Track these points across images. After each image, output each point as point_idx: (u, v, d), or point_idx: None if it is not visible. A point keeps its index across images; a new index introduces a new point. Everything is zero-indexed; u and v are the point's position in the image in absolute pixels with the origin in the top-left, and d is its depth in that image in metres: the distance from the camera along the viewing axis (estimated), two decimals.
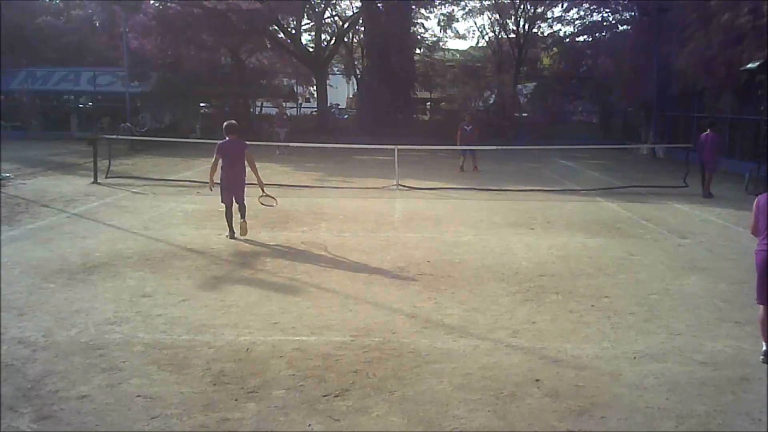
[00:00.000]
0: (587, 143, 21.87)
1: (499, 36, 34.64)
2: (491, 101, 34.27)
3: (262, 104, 37.03)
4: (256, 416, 4.00)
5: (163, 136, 22.54)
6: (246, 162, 9.22)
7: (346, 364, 4.79)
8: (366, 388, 4.39)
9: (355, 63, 35.74)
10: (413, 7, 32.02)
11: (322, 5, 34.55)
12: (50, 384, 4.38)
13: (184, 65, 28.65)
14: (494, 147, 18.43)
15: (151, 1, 30.17)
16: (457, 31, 62.06)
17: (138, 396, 4.23)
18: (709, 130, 14.04)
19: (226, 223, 9.12)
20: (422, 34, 34.83)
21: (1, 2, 29.10)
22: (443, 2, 33.57)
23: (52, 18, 34.41)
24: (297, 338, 5.29)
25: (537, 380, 4.55)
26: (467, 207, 12.15)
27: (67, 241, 8.68)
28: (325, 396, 4.27)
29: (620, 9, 29.67)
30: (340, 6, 36.61)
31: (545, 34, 34.84)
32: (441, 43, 35.84)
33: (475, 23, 59.27)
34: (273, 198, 9.59)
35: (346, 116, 39.54)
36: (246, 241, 8.94)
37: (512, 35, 33.84)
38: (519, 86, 34.33)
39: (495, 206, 12.21)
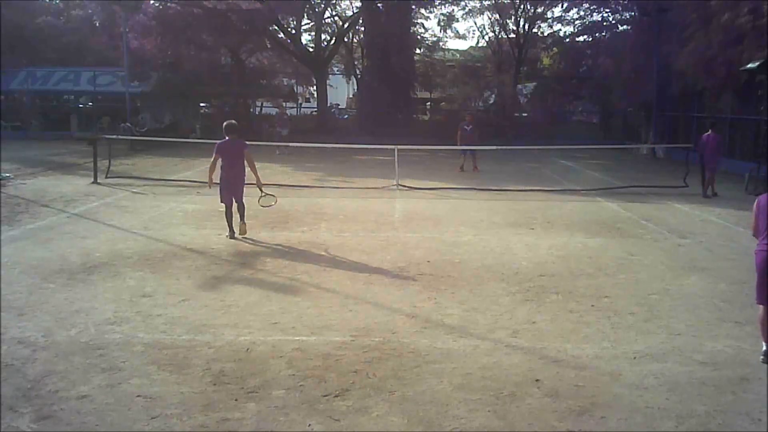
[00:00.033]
0: (587, 143, 21.90)
1: (499, 36, 34.66)
2: (491, 101, 34.30)
3: (262, 104, 37.03)
4: (256, 416, 4.00)
5: (163, 136, 22.54)
6: (245, 162, 9.24)
7: (346, 364, 4.79)
8: (366, 388, 4.39)
9: (355, 63, 35.75)
10: (413, 7, 32.03)
11: (322, 5, 34.56)
12: (50, 384, 4.38)
13: (184, 65, 28.67)
14: (494, 147, 18.44)
15: (151, 1, 30.20)
16: (457, 31, 62.29)
17: (138, 396, 4.23)
18: (710, 131, 14.12)
19: (226, 223, 9.13)
20: (422, 34, 34.92)
21: (1, 2, 29.11)
22: (443, 2, 33.62)
23: (52, 18, 34.41)
24: (297, 338, 5.29)
25: (537, 380, 4.55)
26: (467, 207, 12.15)
27: (67, 241, 8.68)
28: (325, 396, 4.27)
29: (620, 9, 29.68)
30: (340, 6, 36.70)
31: (545, 34, 34.91)
32: (441, 43, 35.93)
33: (475, 23, 59.55)
34: (273, 196, 9.61)
35: (346, 116, 39.54)
36: (246, 241, 8.95)
37: (512, 35, 33.87)
38: (519, 86, 34.34)
39: (495, 206, 12.21)
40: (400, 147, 15.85)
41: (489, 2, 33.83)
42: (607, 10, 30.20)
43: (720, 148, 14.20)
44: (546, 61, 36.65)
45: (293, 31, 34.75)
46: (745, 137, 20.16)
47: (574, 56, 32.35)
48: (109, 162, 15.44)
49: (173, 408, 4.07)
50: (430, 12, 34.01)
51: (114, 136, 18.75)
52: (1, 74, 28.37)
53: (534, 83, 35.87)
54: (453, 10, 34.12)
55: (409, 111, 33.00)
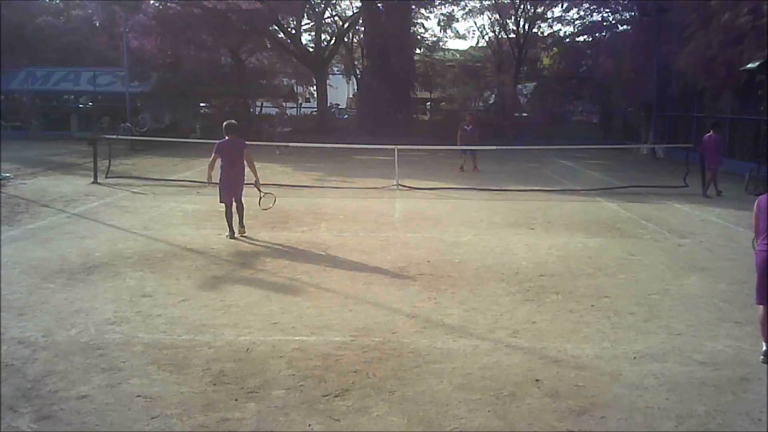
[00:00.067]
0: (587, 143, 21.90)
1: (499, 36, 34.66)
2: (491, 101, 34.30)
3: (262, 104, 37.03)
4: (256, 416, 4.00)
5: (163, 136, 22.54)
6: (245, 161, 9.26)
7: (346, 364, 4.79)
8: (366, 388, 4.39)
9: (355, 63, 35.74)
10: (413, 7, 32.03)
11: (322, 5, 34.56)
12: (50, 384, 4.38)
13: (184, 65, 28.68)
14: (494, 147, 18.44)
15: (151, 1, 30.20)
16: (457, 31, 62.30)
17: (138, 396, 4.23)
18: (711, 131, 14.22)
19: (226, 223, 9.14)
20: (422, 34, 34.93)
21: (1, 2, 29.11)
22: (443, 2, 33.62)
23: (52, 18, 34.41)
24: (297, 338, 5.29)
25: (537, 380, 4.55)
26: (467, 207, 12.15)
27: (67, 241, 8.68)
28: (325, 396, 4.27)
29: (620, 9, 29.69)
30: (340, 6, 36.68)
31: (545, 34, 34.91)
32: (441, 43, 35.93)
33: (475, 23, 59.55)
34: (271, 194, 9.61)
35: (346, 116, 39.53)
36: (246, 241, 8.95)
37: (512, 35, 33.87)
38: (519, 86, 34.34)
39: (495, 206, 12.21)
40: (400, 147, 15.85)
41: (489, 2, 33.86)
42: (607, 10, 30.22)
43: (720, 148, 14.25)
44: (546, 61, 36.65)
45: (293, 31, 34.75)
46: (745, 137, 20.16)
47: (574, 56, 32.36)
48: (109, 162, 15.45)
49: (173, 408, 4.07)
50: (430, 12, 34.06)
51: (114, 136, 18.77)
52: (1, 74, 28.37)
53: (534, 83, 35.87)
54: (453, 10, 34.19)
55: (409, 111, 33.01)
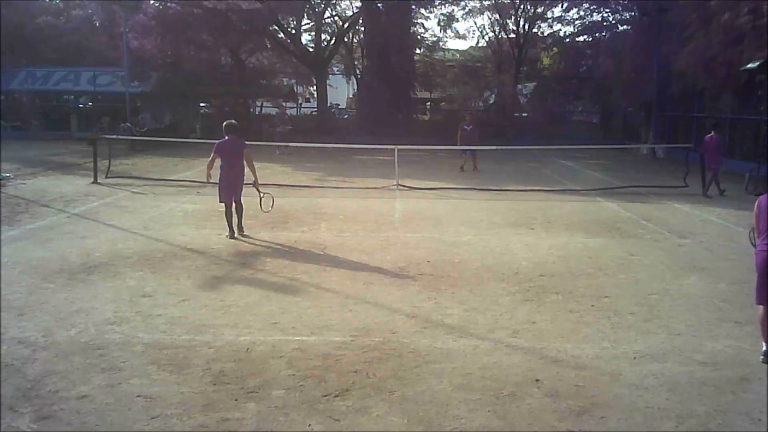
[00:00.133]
0: (587, 143, 21.90)
1: (499, 36, 34.65)
2: (491, 101, 34.28)
3: (262, 104, 37.03)
4: (256, 416, 4.00)
5: (163, 136, 22.54)
6: (244, 162, 9.27)
7: (346, 364, 4.79)
8: (366, 388, 4.39)
9: (355, 63, 35.73)
10: (413, 7, 32.01)
11: (322, 5, 34.55)
12: (50, 384, 4.38)
13: (184, 65, 28.67)
14: (494, 147, 18.43)
15: (151, 1, 30.20)
16: (457, 31, 62.25)
17: (138, 396, 4.23)
18: (712, 132, 14.29)
19: (226, 223, 9.14)
20: (422, 34, 34.89)
21: (1, 2, 29.11)
22: (443, 2, 33.60)
23: (52, 18, 34.40)
24: (297, 338, 5.29)
25: (537, 380, 4.55)
26: (467, 207, 12.15)
27: (67, 241, 8.68)
28: (325, 396, 4.27)
29: (620, 9, 29.68)
30: (340, 6, 36.66)
31: (545, 34, 34.89)
32: (441, 43, 35.89)
33: (475, 23, 59.49)
34: (269, 195, 9.61)
35: (346, 116, 39.52)
36: (246, 241, 8.95)
37: (512, 35, 33.85)
38: (519, 86, 34.32)
39: (495, 206, 12.21)
40: (400, 147, 15.85)
41: (489, 2, 33.84)
42: (607, 10, 30.21)
43: (721, 148, 14.30)
44: (546, 61, 36.64)
45: (293, 31, 34.74)
46: (745, 137, 20.17)
47: (574, 56, 32.34)
48: (109, 162, 15.44)
49: (173, 408, 4.07)
50: (430, 12, 34.03)
51: (114, 136, 18.77)
52: (1, 74, 28.37)
53: (534, 83, 35.85)
54: (453, 10, 34.16)
55: (409, 111, 32.99)
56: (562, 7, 32.35)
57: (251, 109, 34.99)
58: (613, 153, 24.88)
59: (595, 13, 31.03)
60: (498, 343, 5.28)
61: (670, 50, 20.83)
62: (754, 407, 4.20)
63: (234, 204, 9.19)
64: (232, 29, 28.26)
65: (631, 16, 28.68)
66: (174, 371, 4.61)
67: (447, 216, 11.07)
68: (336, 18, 36.30)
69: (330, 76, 37.76)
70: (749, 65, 16.67)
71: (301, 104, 39.09)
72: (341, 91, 45.30)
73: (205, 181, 9.71)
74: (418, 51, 34.08)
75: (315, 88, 36.61)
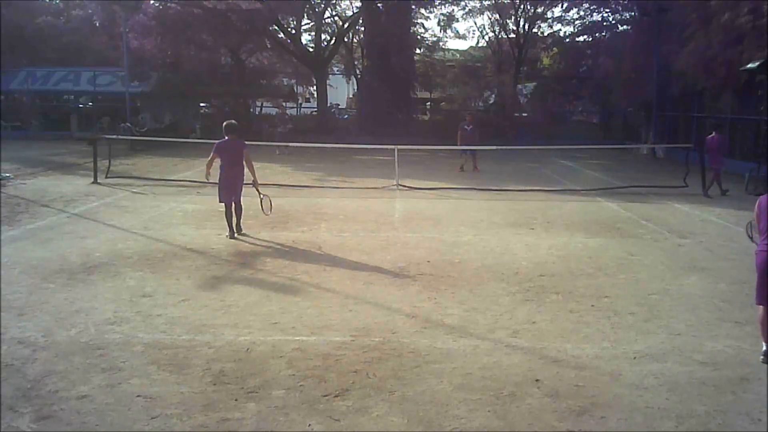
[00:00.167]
0: (587, 143, 21.89)
1: (499, 36, 34.63)
2: (491, 101, 34.28)
3: (262, 104, 37.03)
4: (256, 416, 4.00)
5: (163, 136, 22.54)
6: (244, 162, 9.28)
7: (346, 364, 4.79)
8: (366, 388, 4.39)
9: (355, 63, 35.71)
10: (413, 7, 32.00)
11: (322, 5, 34.54)
12: (50, 384, 4.38)
13: (184, 65, 28.67)
14: (494, 147, 18.43)
15: (151, 1, 30.20)
16: (457, 31, 62.23)
17: (138, 396, 4.23)
18: (714, 133, 14.32)
19: (226, 223, 9.15)
20: (422, 34, 34.85)
21: (1, 2, 29.11)
22: (443, 2, 33.58)
23: (52, 18, 34.40)
24: (297, 338, 5.29)
25: (537, 380, 4.55)
26: (467, 207, 12.15)
27: (67, 241, 8.68)
28: (325, 396, 4.27)
29: (620, 9, 29.67)
30: (340, 6, 36.63)
31: (545, 34, 34.86)
32: (441, 43, 35.84)
33: (475, 23, 59.47)
34: (266, 196, 9.59)
35: (346, 116, 39.51)
36: (246, 241, 8.95)
37: (512, 35, 33.83)
38: (519, 86, 34.31)
39: (495, 206, 12.21)
40: (400, 147, 15.85)
41: (489, 2, 33.82)
42: (607, 10, 30.20)
43: (722, 149, 14.30)
44: (546, 61, 36.62)
45: (293, 31, 34.73)
46: (745, 137, 20.16)
47: (574, 56, 32.34)
48: (109, 162, 15.45)
49: (173, 408, 4.08)
50: (430, 12, 34.01)
51: (114, 136, 18.77)
52: (1, 74, 28.37)
53: (534, 83, 35.84)
54: (453, 10, 34.13)
55: (409, 111, 32.97)
56: (562, 7, 32.37)
57: (251, 109, 34.98)
58: (613, 153, 24.88)
59: (595, 13, 31.04)
60: (498, 343, 5.28)
61: (670, 50, 20.83)
62: (754, 407, 4.20)
63: (234, 205, 9.19)
64: (232, 29, 28.25)
65: (631, 16, 28.68)
66: (174, 371, 4.61)
67: (447, 216, 11.07)
68: (336, 18, 36.30)
69: (330, 76, 37.75)
70: (749, 65, 16.67)
71: (301, 104, 39.07)
72: (341, 91, 45.29)
73: (205, 180, 9.73)
74: (418, 51, 34.07)
75: (315, 88, 36.59)
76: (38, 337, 5.20)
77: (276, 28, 32.55)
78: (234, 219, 9.19)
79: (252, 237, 9.14)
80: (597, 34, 30.81)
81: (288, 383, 4.45)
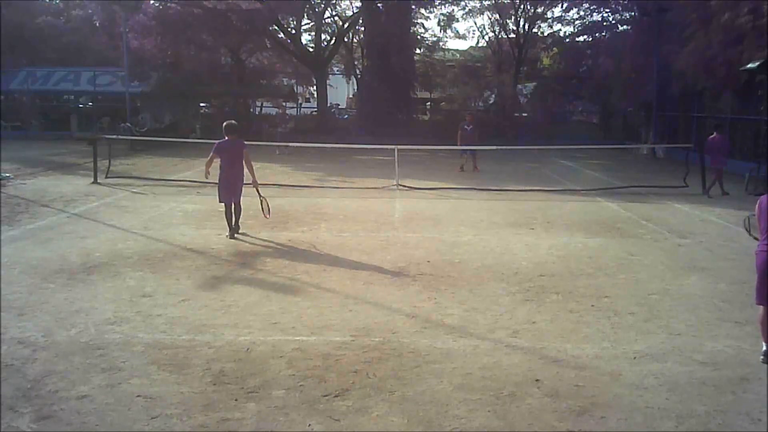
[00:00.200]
0: (587, 143, 21.88)
1: (499, 36, 34.63)
2: (491, 101, 34.27)
3: (262, 104, 37.03)
4: (256, 416, 4.00)
5: (163, 136, 22.55)
6: (244, 162, 9.28)
7: (346, 364, 4.79)
8: (366, 388, 4.39)
9: (355, 63, 35.72)
10: (413, 7, 32.00)
11: (322, 5, 34.54)
12: (50, 384, 4.38)
13: (184, 65, 28.67)
14: (494, 147, 18.43)
15: (151, 1, 30.20)
16: (457, 31, 62.29)
17: (138, 396, 4.23)
18: (715, 133, 14.35)
19: (226, 223, 9.15)
20: (422, 34, 34.87)
21: (1, 2, 29.11)
22: (443, 2, 33.58)
23: (52, 18, 34.43)
24: (297, 338, 5.29)
25: (537, 380, 4.55)
26: (467, 207, 12.15)
27: (67, 241, 8.68)
28: (325, 396, 4.27)
29: (620, 9, 29.67)
30: (340, 6, 36.63)
31: (545, 34, 34.86)
32: (441, 43, 35.87)
33: (475, 23, 59.46)
34: (264, 199, 9.56)
35: (346, 116, 39.50)
36: (246, 241, 8.95)
37: (512, 35, 33.83)
38: (519, 86, 34.30)
39: (495, 206, 12.21)
40: (400, 147, 15.85)
41: (489, 2, 33.82)
42: (607, 10, 30.20)
43: (723, 149, 14.31)
44: (546, 61, 36.61)
45: (293, 31, 34.72)
46: (745, 137, 20.16)
47: (574, 56, 32.32)
48: (109, 162, 15.45)
49: (173, 408, 4.08)
50: (430, 12, 34.01)
51: (114, 136, 18.77)
52: (1, 74, 28.37)
53: (534, 83, 35.82)
54: (453, 10, 34.13)
55: (409, 111, 32.96)
56: (562, 7, 32.37)
57: (251, 109, 34.98)
58: (613, 153, 24.88)
59: (595, 13, 31.04)
60: (498, 343, 5.28)
61: (670, 50, 20.82)
62: (754, 407, 4.20)
63: (234, 205, 9.19)
64: (232, 29, 28.26)
65: (631, 16, 28.68)
66: (174, 371, 4.61)
67: (447, 216, 11.07)
68: (336, 18, 36.30)
69: (330, 76, 37.75)
70: (749, 65, 16.67)
71: (301, 104, 39.07)
72: (341, 91, 45.28)
73: (205, 180, 9.73)
74: (418, 51, 34.07)
75: (315, 88, 36.59)
76: (38, 337, 5.20)
77: (276, 28, 32.55)
78: (233, 219, 9.19)
79: (252, 237, 9.14)
80: (597, 34, 30.81)
81: (288, 383, 4.45)
